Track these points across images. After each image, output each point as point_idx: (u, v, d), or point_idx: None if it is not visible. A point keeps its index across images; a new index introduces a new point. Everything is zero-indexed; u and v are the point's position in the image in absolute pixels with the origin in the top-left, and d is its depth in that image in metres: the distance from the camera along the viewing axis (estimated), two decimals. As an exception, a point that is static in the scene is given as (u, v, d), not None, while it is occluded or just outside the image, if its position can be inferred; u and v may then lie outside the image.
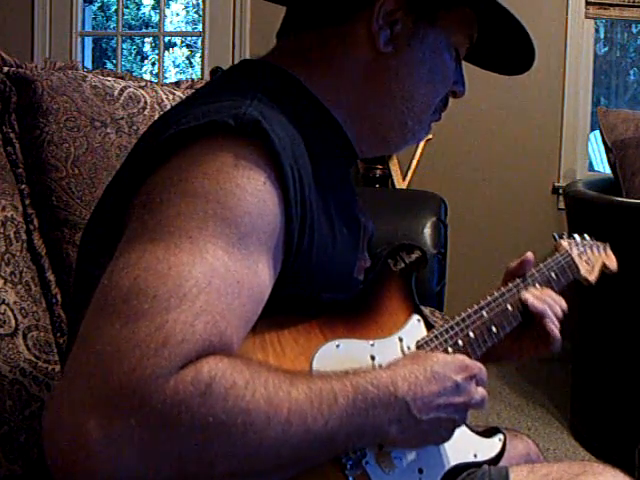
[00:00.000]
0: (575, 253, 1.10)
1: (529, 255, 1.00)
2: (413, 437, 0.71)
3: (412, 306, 0.87)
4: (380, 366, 0.76)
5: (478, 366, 0.78)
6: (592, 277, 1.12)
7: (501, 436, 0.89)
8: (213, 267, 0.61)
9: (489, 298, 0.93)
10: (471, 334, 0.87)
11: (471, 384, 0.76)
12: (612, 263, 1.21)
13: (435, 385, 0.72)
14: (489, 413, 2.48)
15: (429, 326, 0.87)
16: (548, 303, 0.97)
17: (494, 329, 0.91)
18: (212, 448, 0.56)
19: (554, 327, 0.95)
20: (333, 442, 0.63)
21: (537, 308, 0.95)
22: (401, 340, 0.82)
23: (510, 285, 0.97)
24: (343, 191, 0.84)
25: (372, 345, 0.78)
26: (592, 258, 1.15)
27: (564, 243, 1.11)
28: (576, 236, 1.15)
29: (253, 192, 0.65)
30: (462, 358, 0.78)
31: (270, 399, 0.58)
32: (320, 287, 0.76)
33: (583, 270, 1.10)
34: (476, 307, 0.91)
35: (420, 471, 0.77)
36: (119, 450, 0.53)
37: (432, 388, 0.71)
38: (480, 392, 0.77)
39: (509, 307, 0.94)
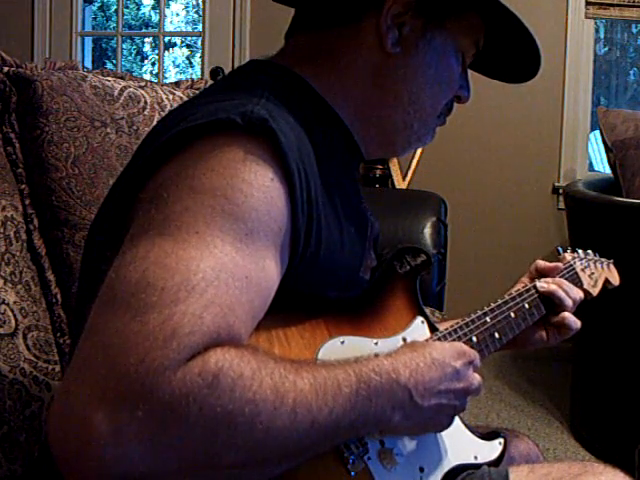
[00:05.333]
0: (578, 267, 1.12)
1: (561, 265, 1.06)
2: (416, 424, 0.72)
3: (416, 308, 0.87)
4: None
5: (474, 352, 0.79)
6: (595, 291, 1.14)
7: (502, 440, 0.90)
8: (221, 262, 0.61)
9: (493, 305, 0.94)
10: (474, 339, 0.88)
11: (469, 369, 0.77)
12: (615, 279, 1.22)
13: (435, 372, 0.72)
14: (489, 413, 2.48)
15: (433, 328, 0.87)
16: (564, 289, 1.01)
17: (497, 335, 0.91)
18: (219, 439, 0.56)
19: (569, 313, 1.02)
20: (337, 430, 0.63)
21: (552, 291, 1.00)
22: (405, 340, 0.82)
23: (514, 294, 0.98)
24: (350, 190, 0.84)
25: (376, 344, 0.78)
26: (595, 272, 1.17)
27: (568, 257, 1.13)
28: (579, 251, 1.17)
29: (260, 188, 0.65)
30: (459, 345, 0.78)
31: (276, 389, 0.58)
32: (327, 285, 0.76)
33: (586, 283, 1.12)
34: (480, 313, 0.91)
35: (421, 470, 0.78)
36: (127, 442, 0.53)
37: (433, 374, 0.72)
38: (477, 378, 0.78)
39: (512, 315, 0.95)
